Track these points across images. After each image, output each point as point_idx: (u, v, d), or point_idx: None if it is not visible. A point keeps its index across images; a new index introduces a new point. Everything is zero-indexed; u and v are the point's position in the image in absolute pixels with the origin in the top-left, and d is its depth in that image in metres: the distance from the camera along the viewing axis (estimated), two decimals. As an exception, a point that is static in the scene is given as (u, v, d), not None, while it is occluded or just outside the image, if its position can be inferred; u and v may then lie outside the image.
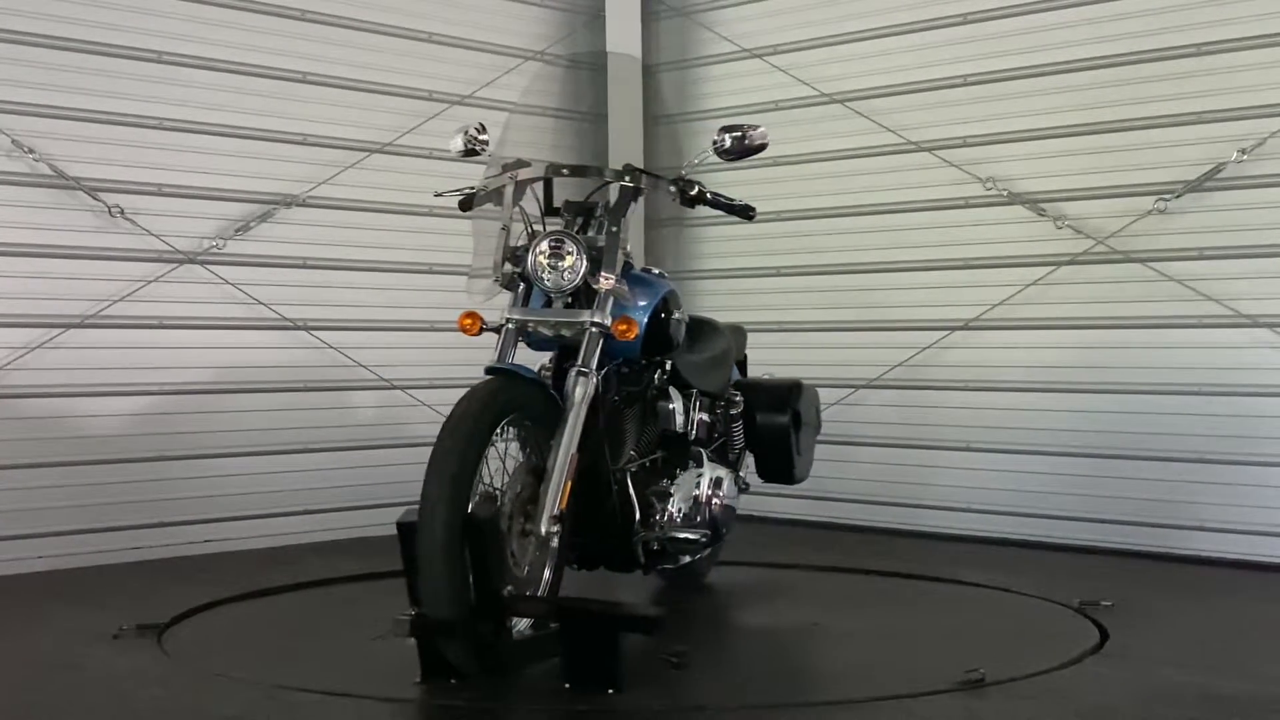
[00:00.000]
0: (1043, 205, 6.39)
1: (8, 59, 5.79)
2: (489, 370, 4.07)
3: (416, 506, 3.77)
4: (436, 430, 3.61)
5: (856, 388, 6.95)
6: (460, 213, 4.54)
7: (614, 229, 4.20)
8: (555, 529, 3.95)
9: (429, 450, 3.80)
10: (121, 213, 6.05)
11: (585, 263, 4.12)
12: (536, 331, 4.21)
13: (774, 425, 5.17)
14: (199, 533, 6.21)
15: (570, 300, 4.19)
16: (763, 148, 4.37)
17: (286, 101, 6.59)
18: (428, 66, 7.09)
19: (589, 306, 4.17)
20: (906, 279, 6.86)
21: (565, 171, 4.41)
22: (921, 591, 5.48)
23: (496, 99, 7.28)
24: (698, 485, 4.64)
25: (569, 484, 3.97)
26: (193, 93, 6.29)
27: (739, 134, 4.35)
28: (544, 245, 4.15)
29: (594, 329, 4.12)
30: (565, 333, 4.20)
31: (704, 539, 4.56)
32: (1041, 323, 6.44)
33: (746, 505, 5.29)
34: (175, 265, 6.23)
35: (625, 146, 7.52)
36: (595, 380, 4.10)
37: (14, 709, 3.75)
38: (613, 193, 4.35)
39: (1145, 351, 6.13)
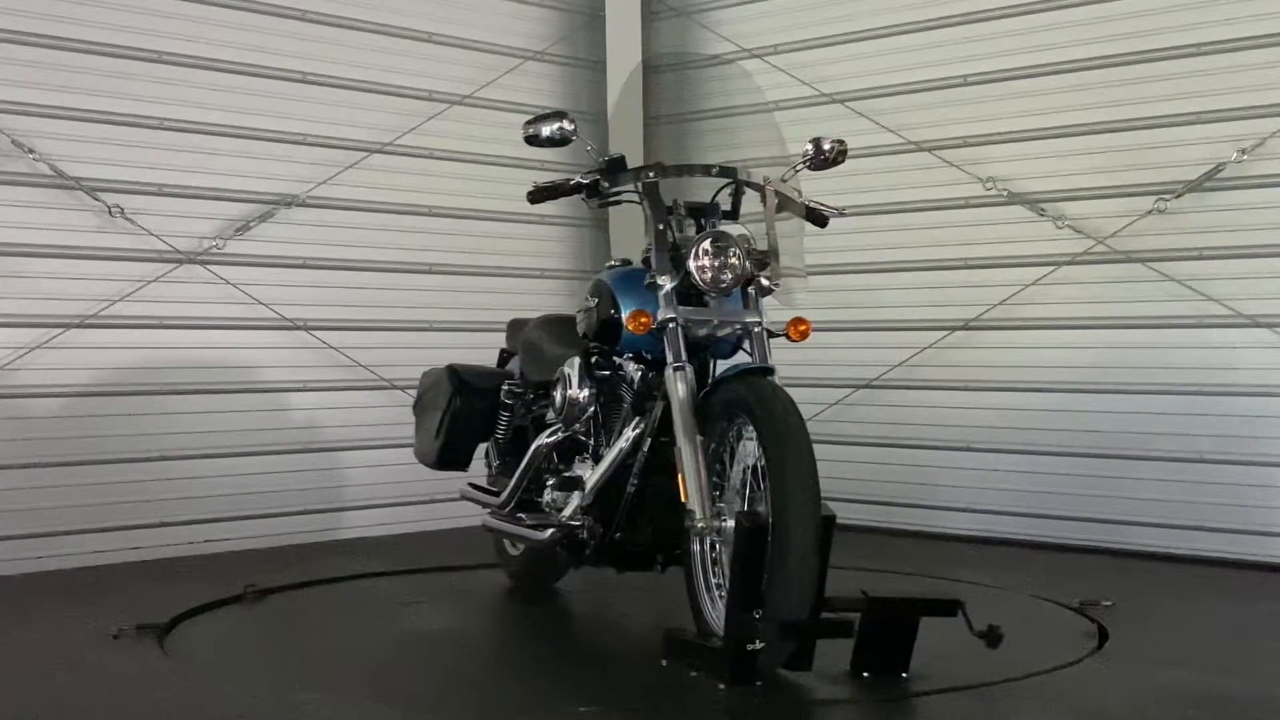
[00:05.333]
0: (1043, 205, 6.39)
1: (8, 59, 5.79)
2: (758, 368, 4.05)
3: (750, 510, 3.76)
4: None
5: (856, 388, 6.95)
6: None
7: (773, 231, 4.20)
8: None
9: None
10: (121, 213, 6.05)
11: (747, 263, 4.12)
12: (690, 331, 4.15)
13: None
14: (199, 533, 6.20)
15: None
16: (843, 157, 4.44)
17: (286, 101, 6.59)
18: (428, 66, 7.09)
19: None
20: (906, 279, 6.86)
21: (715, 171, 4.36)
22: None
23: (496, 99, 7.30)
24: None
25: None
26: (193, 93, 6.29)
27: (829, 147, 4.39)
28: (707, 245, 4.11)
29: (757, 329, 4.16)
30: (720, 332, 4.20)
31: None
32: (1041, 323, 6.44)
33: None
34: (175, 265, 6.23)
35: (625, 146, 7.51)
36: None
37: (14, 709, 3.74)
38: (745, 195, 4.34)
39: (1145, 351, 6.13)
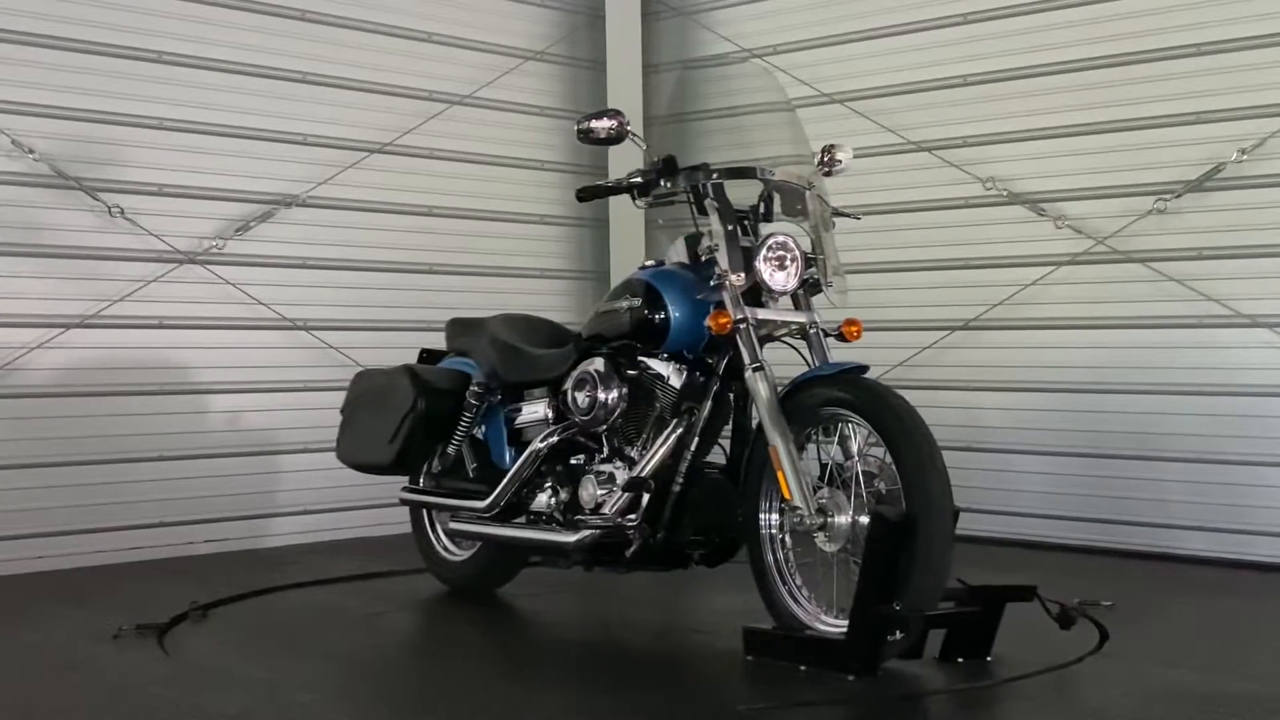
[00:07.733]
0: (1043, 205, 6.39)
1: (8, 59, 5.79)
2: (855, 367, 4.18)
3: (890, 505, 3.84)
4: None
5: (856, 388, 6.94)
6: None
7: (824, 232, 4.30)
8: None
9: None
10: (121, 213, 6.05)
11: (803, 264, 4.24)
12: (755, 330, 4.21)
13: None
14: (199, 533, 6.21)
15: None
16: (837, 164, 4.57)
17: (286, 101, 6.59)
18: (428, 66, 7.09)
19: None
20: (906, 279, 6.86)
21: (774, 174, 4.39)
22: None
23: (496, 99, 7.30)
24: None
25: None
26: (193, 93, 6.29)
27: (826, 158, 4.53)
28: (776, 246, 4.21)
29: (813, 329, 4.32)
30: (778, 332, 4.32)
31: None
32: (1041, 323, 6.44)
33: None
34: (175, 265, 6.23)
35: (625, 146, 7.50)
36: None
37: (14, 709, 3.74)
38: (811, 200, 4.40)
39: (1145, 351, 6.13)
